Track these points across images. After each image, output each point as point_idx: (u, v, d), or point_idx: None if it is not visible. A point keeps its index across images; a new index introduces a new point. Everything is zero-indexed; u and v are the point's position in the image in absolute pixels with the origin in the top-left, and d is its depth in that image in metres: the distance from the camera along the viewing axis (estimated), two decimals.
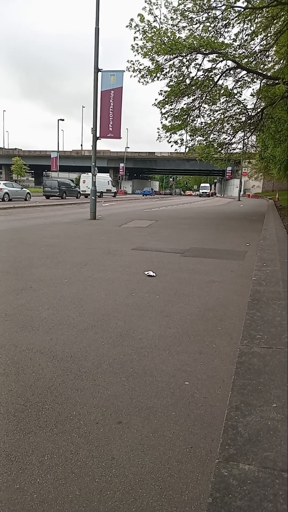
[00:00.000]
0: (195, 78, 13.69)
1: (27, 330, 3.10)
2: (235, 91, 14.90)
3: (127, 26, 12.26)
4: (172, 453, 1.74)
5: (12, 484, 1.54)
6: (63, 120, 42.18)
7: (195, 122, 15.48)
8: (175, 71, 13.37)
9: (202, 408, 2.09)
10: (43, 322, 3.28)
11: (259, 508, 1.10)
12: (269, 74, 15.12)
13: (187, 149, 16.81)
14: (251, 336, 2.46)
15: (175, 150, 16.37)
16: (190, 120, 15.22)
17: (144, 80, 13.15)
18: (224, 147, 18.07)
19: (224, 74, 14.05)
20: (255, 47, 14.79)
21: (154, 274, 5.04)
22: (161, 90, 13.72)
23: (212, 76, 13.89)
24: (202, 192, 70.79)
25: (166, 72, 13.24)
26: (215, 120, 16.11)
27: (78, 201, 29.07)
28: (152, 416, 2.01)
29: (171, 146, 15.32)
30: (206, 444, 1.81)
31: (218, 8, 13.05)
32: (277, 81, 13.24)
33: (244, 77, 14.86)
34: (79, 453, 1.73)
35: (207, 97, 14.57)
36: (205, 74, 13.73)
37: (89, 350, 2.76)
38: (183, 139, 15.52)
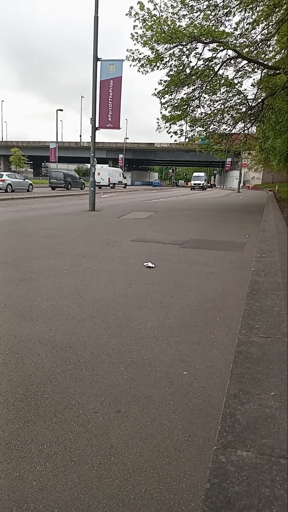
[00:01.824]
0: (195, 67, 13.54)
1: (26, 321, 3.11)
2: (235, 81, 14.74)
3: (126, 14, 12.08)
4: (170, 441, 1.76)
5: (12, 472, 1.56)
6: (62, 110, 41.86)
7: (195, 112, 15.36)
8: (175, 61, 13.21)
9: (200, 398, 2.10)
10: (42, 313, 3.29)
11: (257, 493, 1.11)
12: (270, 64, 14.95)
13: (187, 139, 16.69)
14: (250, 326, 2.47)
15: (175, 140, 16.23)
16: (190, 111, 15.09)
17: (144, 70, 13.00)
18: (224, 138, 17.93)
19: (224, 64, 13.89)
20: (256, 36, 14.61)
21: (153, 265, 5.04)
22: (160, 80, 13.59)
23: (213, 65, 13.73)
24: (194, 184, 53.31)
25: (166, 62, 13.09)
26: (215, 111, 15.97)
27: (78, 192, 28.96)
28: (150, 405, 2.02)
29: (171, 136, 15.21)
30: (204, 432, 1.82)
31: None
32: (278, 71, 13.09)
33: (244, 67, 14.69)
34: (78, 442, 1.74)
35: (207, 87, 14.42)
36: (206, 64, 13.58)
37: (88, 341, 2.76)
38: (182, 130, 15.40)
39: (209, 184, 73.20)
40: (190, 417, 1.93)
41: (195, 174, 58.52)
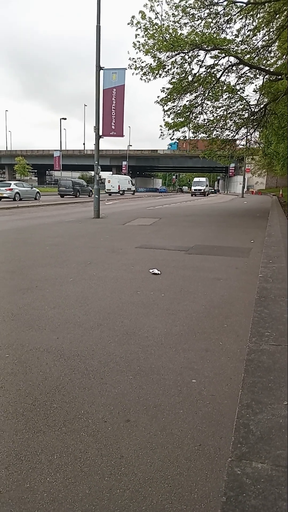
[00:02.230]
0: (197, 74, 13.62)
1: (34, 330, 3.11)
2: (237, 87, 14.82)
3: (128, 24, 12.23)
4: (181, 451, 1.74)
5: (22, 483, 1.54)
6: (65, 119, 42.19)
7: (197, 119, 15.42)
8: (177, 68, 13.31)
9: (210, 406, 2.08)
10: (49, 321, 3.29)
11: (274, 507, 1.09)
12: (271, 70, 15.02)
13: (191, 146, 16.75)
14: (260, 333, 2.44)
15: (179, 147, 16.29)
16: (193, 117, 15.15)
17: (146, 78, 13.10)
18: (227, 143, 17.98)
19: (226, 71, 13.97)
20: (258, 42, 14.69)
21: (159, 272, 5.04)
22: (163, 88, 13.68)
23: (215, 72, 13.81)
24: (195, 190, 49.22)
25: (168, 69, 13.19)
26: (218, 117, 16.03)
27: (83, 200, 29.12)
28: (160, 414, 2.01)
29: (174, 143, 15.24)
30: (215, 441, 1.80)
31: (220, 3, 12.97)
32: (280, 77, 13.15)
33: (246, 73, 14.77)
34: (88, 452, 1.73)
35: (210, 94, 14.49)
36: (208, 71, 13.66)
37: (96, 349, 2.76)
38: (186, 136, 15.47)
39: (212, 190, 72.14)
40: (200, 426, 1.91)
41: (195, 179, 53.99)
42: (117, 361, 2.57)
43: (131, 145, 64.93)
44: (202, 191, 48.57)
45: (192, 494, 1.50)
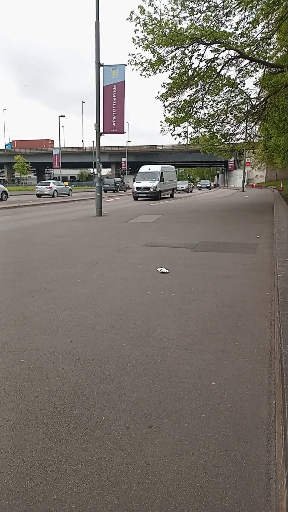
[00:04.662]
0: (197, 69, 13.52)
1: (47, 333, 3.08)
2: (238, 80, 14.71)
3: (127, 19, 12.10)
4: (207, 457, 1.71)
5: (49, 495, 1.52)
6: (64, 116, 41.99)
7: (198, 113, 15.32)
8: (177, 63, 13.21)
9: (232, 409, 2.05)
10: (62, 324, 3.26)
11: None
12: (271, 62, 14.88)
13: (191, 141, 16.66)
14: None
15: (179, 142, 16.23)
16: (193, 112, 15.05)
17: (146, 73, 13.00)
18: (228, 138, 17.87)
19: (226, 64, 13.86)
20: (257, 35, 14.53)
21: (167, 271, 5.00)
22: (163, 83, 13.58)
23: (215, 66, 13.71)
24: (138, 189, 23.71)
25: (168, 64, 13.08)
26: (218, 111, 15.93)
27: (85, 197, 29.04)
28: (182, 419, 1.98)
29: (175, 139, 15.19)
30: (240, 447, 1.78)
31: None
32: (280, 69, 13.02)
33: (246, 66, 14.66)
34: (113, 460, 1.70)
35: (210, 88, 14.40)
36: (208, 65, 13.55)
37: (111, 352, 2.73)
38: (186, 132, 15.38)
39: (208, 185, 68.63)
40: (224, 430, 1.89)
41: (142, 168, 25.43)
42: (134, 365, 2.54)
43: (129, 141, 64.69)
44: (151, 190, 23.44)
45: (223, 502, 1.47)
